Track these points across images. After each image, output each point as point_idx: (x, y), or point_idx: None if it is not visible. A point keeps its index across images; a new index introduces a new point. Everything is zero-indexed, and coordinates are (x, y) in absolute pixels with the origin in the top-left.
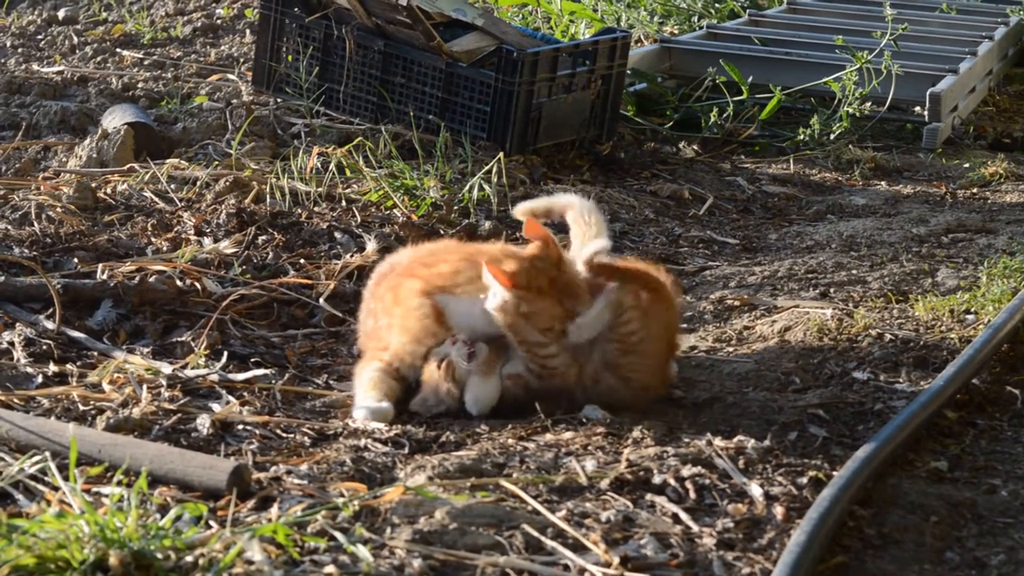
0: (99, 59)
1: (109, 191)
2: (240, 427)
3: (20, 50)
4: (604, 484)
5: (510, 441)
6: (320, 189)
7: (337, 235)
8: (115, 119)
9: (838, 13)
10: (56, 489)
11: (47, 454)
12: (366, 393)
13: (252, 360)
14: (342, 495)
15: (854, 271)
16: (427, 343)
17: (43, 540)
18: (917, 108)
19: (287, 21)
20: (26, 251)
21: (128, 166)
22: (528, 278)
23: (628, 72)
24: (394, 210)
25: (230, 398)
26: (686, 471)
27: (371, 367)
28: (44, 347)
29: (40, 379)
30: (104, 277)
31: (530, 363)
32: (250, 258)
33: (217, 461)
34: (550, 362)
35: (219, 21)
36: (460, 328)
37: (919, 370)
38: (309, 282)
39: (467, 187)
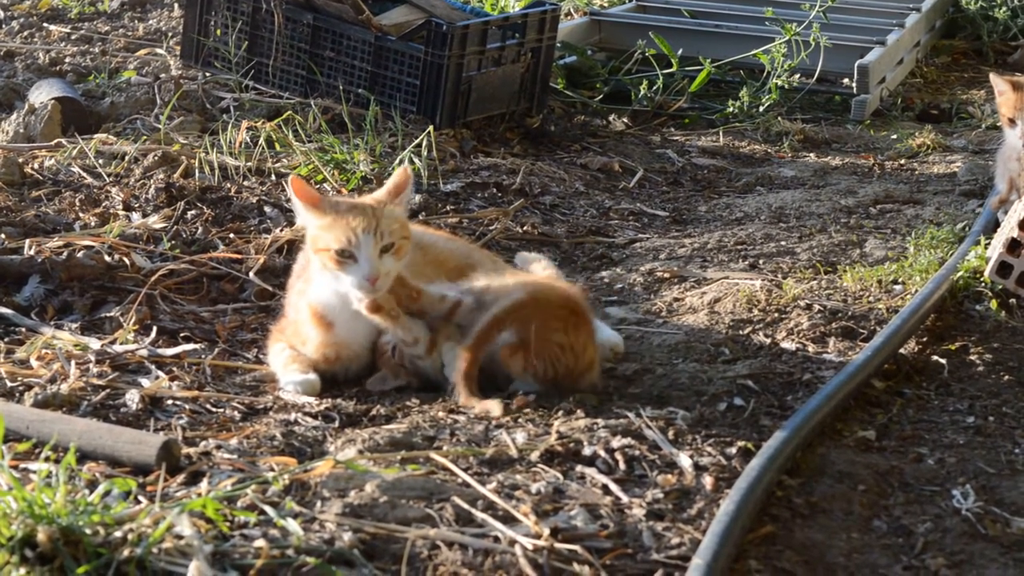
0: (26, 34)
1: (36, 166)
2: (169, 402)
3: None
4: (534, 456)
5: (440, 414)
6: (249, 163)
7: (267, 209)
8: (42, 94)
9: None
10: None
11: None
12: (287, 368)
13: (181, 335)
14: (272, 469)
15: (783, 242)
16: (326, 349)
17: None
18: (845, 80)
19: None
20: None
21: (56, 141)
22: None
23: (558, 45)
24: (324, 184)
25: (159, 373)
26: (616, 442)
27: (283, 345)
28: None
29: None
30: (31, 253)
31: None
32: (179, 233)
33: (146, 436)
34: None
35: None
36: (341, 332)
37: (847, 340)
38: (239, 256)
39: (397, 160)
